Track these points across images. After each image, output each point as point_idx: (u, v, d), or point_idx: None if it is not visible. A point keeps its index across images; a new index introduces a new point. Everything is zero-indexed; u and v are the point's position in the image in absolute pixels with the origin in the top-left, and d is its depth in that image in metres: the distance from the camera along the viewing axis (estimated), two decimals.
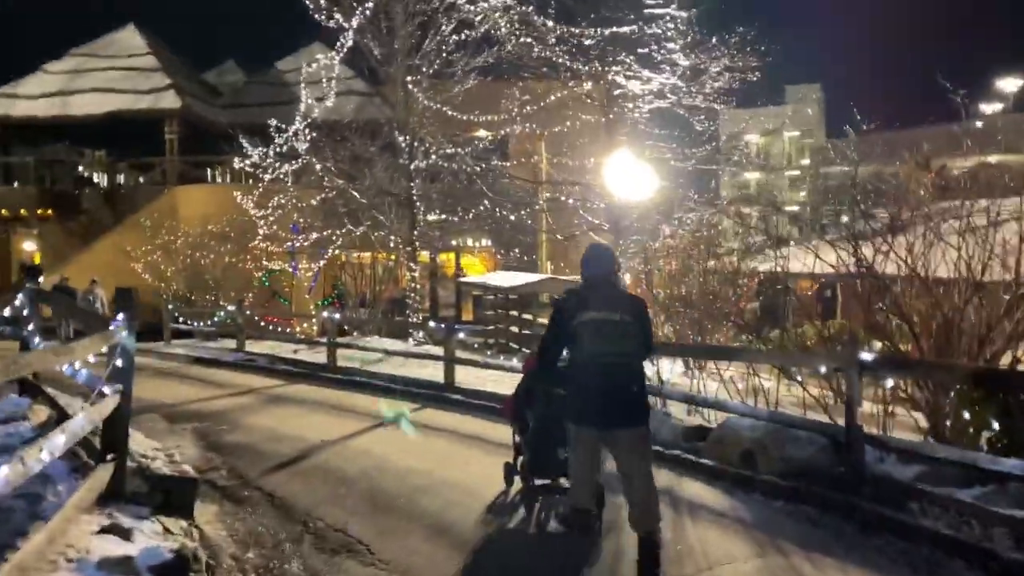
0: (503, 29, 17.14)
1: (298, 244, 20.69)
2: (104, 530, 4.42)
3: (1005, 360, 7.64)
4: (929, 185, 10.76)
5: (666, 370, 11.07)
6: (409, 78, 18.40)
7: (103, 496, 4.88)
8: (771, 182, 43.25)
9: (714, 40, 16.47)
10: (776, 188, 41.66)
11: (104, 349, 5.15)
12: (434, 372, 12.49)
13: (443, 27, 18.16)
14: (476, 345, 16.21)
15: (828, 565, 5.02)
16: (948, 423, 7.36)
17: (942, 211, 8.80)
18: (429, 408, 10.67)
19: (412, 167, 18.53)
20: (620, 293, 5.26)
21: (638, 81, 16.77)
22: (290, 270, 22.47)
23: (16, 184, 26.71)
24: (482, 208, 19.61)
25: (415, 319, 18.57)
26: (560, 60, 16.73)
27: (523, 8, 16.78)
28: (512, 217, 19.83)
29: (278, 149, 19.25)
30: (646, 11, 16.22)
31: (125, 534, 4.44)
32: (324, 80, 18.92)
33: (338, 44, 18.32)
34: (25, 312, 7.97)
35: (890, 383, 7.84)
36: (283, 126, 19.08)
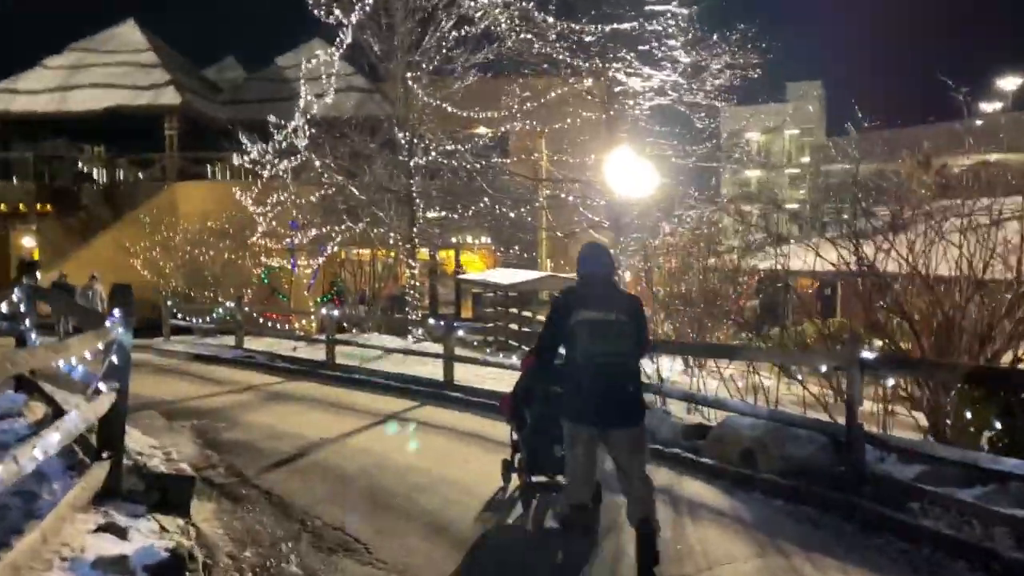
0: (503, 25, 17.10)
1: (297, 241, 20.65)
2: (100, 529, 4.39)
3: (1006, 359, 7.63)
4: (931, 183, 10.73)
5: (666, 368, 11.05)
6: (409, 74, 18.36)
7: (99, 494, 4.85)
8: (771, 180, 43.19)
9: (715, 37, 16.45)
10: (776, 186, 41.59)
11: (101, 346, 5.11)
12: (433, 370, 12.47)
13: (443, 23, 18.12)
14: (475, 343, 16.19)
15: (829, 565, 4.99)
16: (948, 422, 7.34)
17: (943, 209, 8.76)
18: (428, 406, 10.65)
19: (412, 164, 18.49)
20: (617, 292, 5.25)
21: (639, 78, 16.73)
22: (289, 267, 22.44)
23: (15, 180, 26.63)
24: (482, 205, 19.57)
25: (414, 316, 18.55)
26: (560, 56, 16.69)
27: (523, 4, 16.74)
28: (512, 214, 19.78)
29: (278, 145, 19.21)
30: (647, 8, 16.19)
31: (121, 533, 4.41)
32: (324, 76, 18.88)
33: (338, 40, 18.29)
34: (22, 308, 7.94)
35: (891, 382, 7.82)
36: (283, 122, 19.04)
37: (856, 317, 9.96)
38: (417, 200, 18.70)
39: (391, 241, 20.04)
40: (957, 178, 11.37)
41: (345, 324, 18.59)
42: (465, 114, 18.63)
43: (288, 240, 20.91)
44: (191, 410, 10.03)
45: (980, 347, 7.50)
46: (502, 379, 11.11)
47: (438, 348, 13.03)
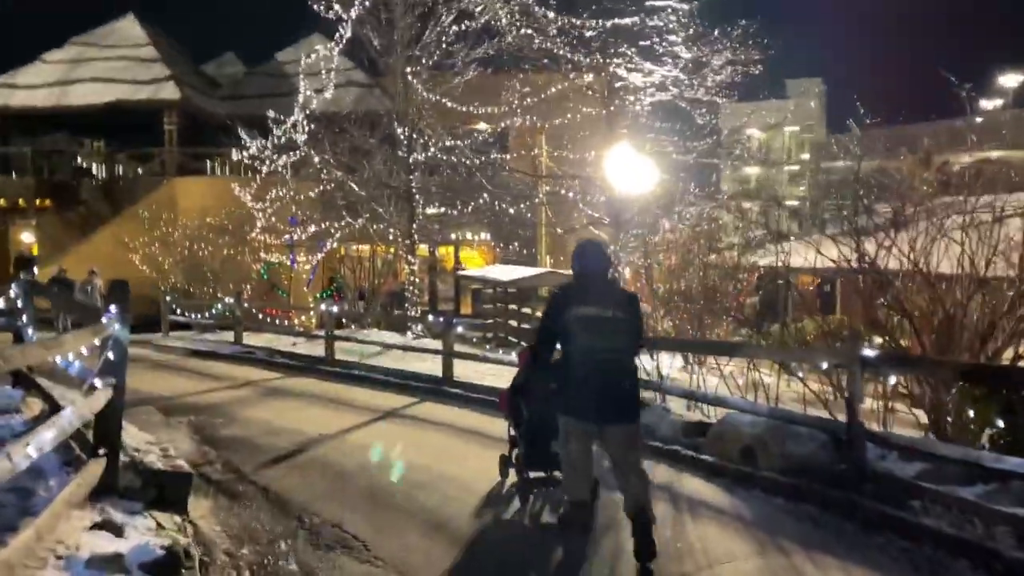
0: (503, 20, 17.03)
1: (296, 237, 20.61)
2: (95, 526, 4.35)
3: (1007, 357, 7.60)
4: (931, 181, 10.71)
5: (666, 365, 11.01)
6: (408, 69, 18.29)
7: (95, 491, 4.81)
8: (771, 177, 43.14)
9: (716, 33, 16.39)
10: (776, 183, 41.55)
11: (97, 342, 5.08)
12: (432, 366, 12.44)
13: (443, 18, 18.05)
14: (475, 339, 16.18)
15: (829, 564, 4.96)
16: (949, 420, 7.31)
17: (945, 206, 8.74)
18: (427, 402, 10.62)
19: (411, 160, 18.43)
20: (613, 288, 5.27)
21: (639, 74, 16.67)
22: (288, 263, 22.41)
23: (14, 174, 26.59)
24: (481, 201, 19.53)
25: (414, 312, 18.51)
26: (561, 52, 16.63)
27: None
28: (511, 210, 19.74)
29: (277, 141, 19.16)
30: (648, 3, 16.13)
31: (117, 530, 4.37)
32: (323, 72, 18.80)
33: (337, 35, 18.22)
34: (19, 303, 7.91)
35: (892, 379, 7.80)
36: (282, 118, 18.98)
37: (855, 314, 9.94)
38: (417, 196, 18.65)
39: (390, 237, 20.00)
40: (958, 175, 11.35)
41: (344, 320, 18.55)
42: (465, 109, 18.57)
43: (287, 236, 20.87)
44: (189, 406, 10.00)
45: (981, 345, 7.47)
46: (501, 375, 11.07)
47: (437, 344, 13.00)
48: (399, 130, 18.49)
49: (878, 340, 8.43)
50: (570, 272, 5.22)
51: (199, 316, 19.47)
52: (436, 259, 25.94)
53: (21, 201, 26.03)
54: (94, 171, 27.45)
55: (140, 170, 27.39)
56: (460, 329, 13.46)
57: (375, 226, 19.59)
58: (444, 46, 18.33)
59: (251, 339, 17.05)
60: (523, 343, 14.60)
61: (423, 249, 21.70)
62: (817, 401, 8.63)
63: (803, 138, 48.47)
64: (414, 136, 18.52)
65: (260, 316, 19.46)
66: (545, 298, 19.45)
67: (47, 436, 3.83)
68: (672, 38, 16.25)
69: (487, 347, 16.01)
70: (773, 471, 6.58)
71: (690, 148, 17.68)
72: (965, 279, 7.67)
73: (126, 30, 28.97)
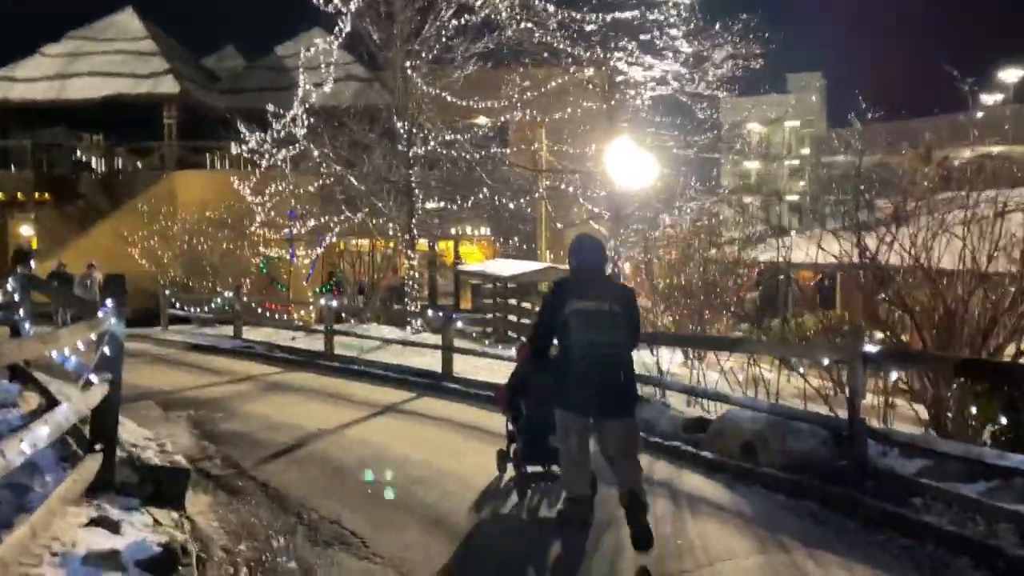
0: (503, 14, 16.98)
1: (296, 231, 20.57)
2: (91, 522, 4.32)
3: (1008, 353, 7.57)
4: (933, 176, 10.66)
5: (666, 360, 10.99)
6: (408, 63, 18.23)
7: (92, 487, 4.78)
8: (772, 171, 43.11)
9: (717, 27, 16.36)
10: (776, 177, 41.52)
11: (93, 337, 5.04)
12: (432, 361, 12.40)
13: (443, 12, 17.99)
14: (474, 334, 16.15)
15: (830, 561, 4.93)
16: (950, 416, 7.28)
17: (947, 201, 8.70)
18: (427, 397, 10.60)
19: (411, 154, 18.38)
20: (610, 283, 5.26)
21: (640, 68, 16.64)
22: (288, 257, 22.38)
23: (13, 168, 26.51)
24: (481, 196, 19.50)
25: (413, 307, 18.48)
26: (561, 46, 16.59)
27: None
28: (511, 205, 19.72)
29: (277, 135, 19.11)
30: None
31: (113, 527, 4.34)
32: (323, 65, 18.75)
33: (337, 29, 18.17)
34: (16, 297, 7.88)
35: (893, 375, 7.77)
36: (282, 112, 18.93)
37: (856, 310, 9.92)
38: (416, 190, 18.60)
39: (390, 232, 19.97)
40: (959, 170, 11.31)
41: (343, 315, 18.52)
42: (465, 103, 18.53)
43: (287, 230, 20.83)
44: (188, 400, 9.97)
45: (983, 341, 7.44)
46: (500, 370, 11.02)
47: (436, 339, 12.97)
48: (399, 124, 18.43)
49: (879, 335, 8.40)
50: (567, 267, 5.21)
51: (198, 310, 19.44)
52: (436, 254, 25.90)
53: (20, 195, 25.97)
54: (93, 165, 27.38)
55: (139, 164, 27.33)
56: (460, 324, 13.43)
57: (374, 220, 19.55)
58: (444, 40, 18.28)
59: (250, 333, 17.03)
60: (523, 338, 14.58)
61: (423, 244, 21.67)
62: (818, 397, 8.60)
63: (804, 133, 48.35)
64: (414, 130, 18.47)
65: (259, 310, 19.44)
66: (545, 293, 19.45)
67: (42, 432, 3.79)
68: (673, 32, 16.21)
69: (487, 342, 15.98)
70: (774, 467, 6.55)
71: (691, 143, 17.67)
72: (966, 275, 7.63)
73: (125, 24, 28.89)
